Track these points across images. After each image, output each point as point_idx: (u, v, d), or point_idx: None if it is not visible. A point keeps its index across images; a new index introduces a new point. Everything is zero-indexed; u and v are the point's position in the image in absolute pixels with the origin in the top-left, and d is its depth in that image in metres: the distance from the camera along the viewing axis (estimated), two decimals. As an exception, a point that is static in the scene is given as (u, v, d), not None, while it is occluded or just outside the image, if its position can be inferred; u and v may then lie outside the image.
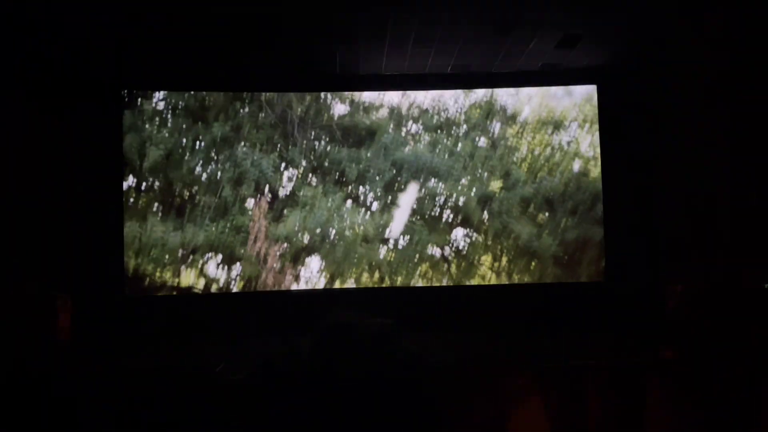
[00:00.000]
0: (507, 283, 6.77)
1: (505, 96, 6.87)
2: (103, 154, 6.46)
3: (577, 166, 6.79)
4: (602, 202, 6.77)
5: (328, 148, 6.75)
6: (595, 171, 6.76)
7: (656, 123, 6.49)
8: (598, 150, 6.76)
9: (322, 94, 6.81)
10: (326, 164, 6.75)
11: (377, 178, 6.75)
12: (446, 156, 6.79)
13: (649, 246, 6.40)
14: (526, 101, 6.85)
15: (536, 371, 3.70)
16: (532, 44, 6.01)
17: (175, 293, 6.56)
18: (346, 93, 6.81)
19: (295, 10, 5.19)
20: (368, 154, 6.76)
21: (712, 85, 5.42)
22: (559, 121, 6.81)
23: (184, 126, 6.63)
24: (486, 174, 6.79)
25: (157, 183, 6.59)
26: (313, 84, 6.79)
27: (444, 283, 6.77)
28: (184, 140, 6.62)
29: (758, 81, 4.76)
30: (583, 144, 6.78)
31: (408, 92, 6.83)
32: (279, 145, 6.71)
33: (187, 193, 6.61)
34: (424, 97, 6.85)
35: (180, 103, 6.66)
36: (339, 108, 6.81)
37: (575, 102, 6.84)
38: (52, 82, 6.03)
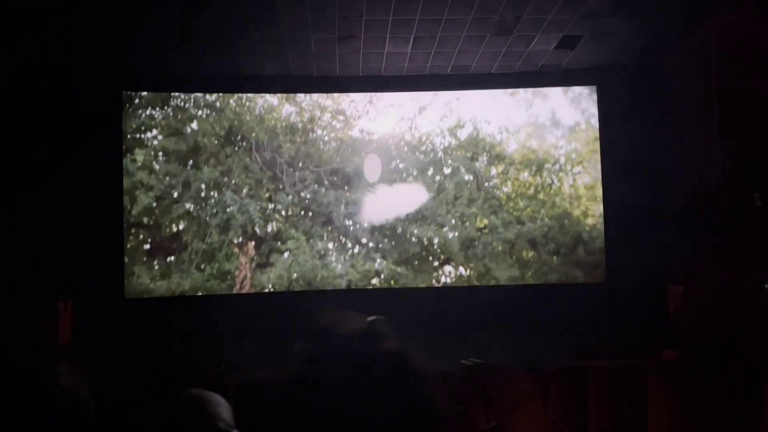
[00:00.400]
0: (507, 284, 6.76)
1: (494, 127, 6.82)
2: (104, 157, 6.45)
3: (560, 207, 6.76)
4: (602, 203, 6.76)
5: (316, 189, 6.71)
6: (578, 211, 6.75)
7: (656, 123, 6.48)
8: (581, 190, 6.75)
9: (311, 133, 6.73)
10: (313, 207, 6.69)
11: (364, 220, 6.71)
12: (431, 198, 6.77)
13: (650, 247, 6.40)
14: (514, 133, 6.80)
15: (538, 372, 3.70)
16: (532, 45, 6.01)
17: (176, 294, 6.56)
18: (337, 125, 6.76)
19: (295, 11, 5.19)
20: (355, 196, 6.72)
21: (711, 85, 5.42)
22: (543, 160, 6.78)
23: (174, 171, 6.57)
24: (469, 216, 6.77)
25: (145, 229, 6.52)
26: (314, 86, 6.78)
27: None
28: (174, 185, 6.56)
29: (757, 82, 4.76)
30: (566, 184, 6.76)
31: (396, 129, 6.78)
32: (267, 190, 6.66)
33: (175, 239, 6.54)
34: (411, 136, 6.81)
35: (171, 147, 6.59)
36: (328, 147, 6.74)
37: (563, 133, 6.80)
38: (51, 83, 6.03)
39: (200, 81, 6.67)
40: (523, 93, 6.85)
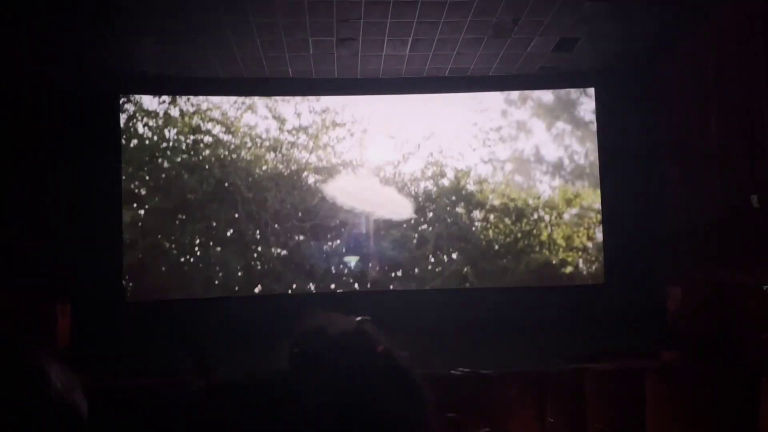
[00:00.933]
0: (505, 286, 6.75)
1: (478, 171, 6.84)
2: (102, 159, 6.47)
3: (537, 257, 6.79)
4: (601, 204, 6.77)
5: (299, 242, 6.70)
6: (556, 259, 6.79)
7: (654, 124, 6.49)
8: (560, 241, 6.76)
9: (295, 185, 6.73)
10: (296, 260, 6.69)
11: (347, 273, 6.73)
12: (413, 249, 6.76)
13: (649, 248, 6.40)
14: (497, 172, 6.83)
15: (534, 376, 3.69)
16: (530, 47, 6.02)
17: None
18: (322, 175, 6.77)
19: (293, 13, 5.20)
20: (338, 247, 6.73)
21: (708, 88, 5.43)
22: (523, 209, 6.80)
23: (160, 227, 6.58)
24: (449, 264, 6.79)
25: (131, 285, 6.53)
26: (313, 88, 6.79)
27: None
28: (160, 241, 6.57)
29: (754, 85, 4.77)
30: (545, 233, 6.79)
31: (381, 175, 6.80)
32: (250, 242, 6.66)
33: (159, 297, 6.54)
34: (395, 184, 6.80)
35: (158, 205, 6.60)
36: (312, 199, 6.73)
37: (547, 169, 6.83)
38: (47, 86, 6.04)
39: (199, 84, 6.68)
40: (507, 129, 6.89)
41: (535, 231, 6.78)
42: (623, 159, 6.72)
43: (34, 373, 1.05)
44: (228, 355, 4.88)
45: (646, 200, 6.54)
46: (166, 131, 6.68)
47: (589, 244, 6.75)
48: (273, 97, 6.79)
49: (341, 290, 6.69)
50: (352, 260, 6.70)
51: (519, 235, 6.78)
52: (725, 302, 5.09)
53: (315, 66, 6.36)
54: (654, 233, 6.41)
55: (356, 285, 6.70)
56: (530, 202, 6.79)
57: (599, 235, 6.75)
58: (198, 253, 6.61)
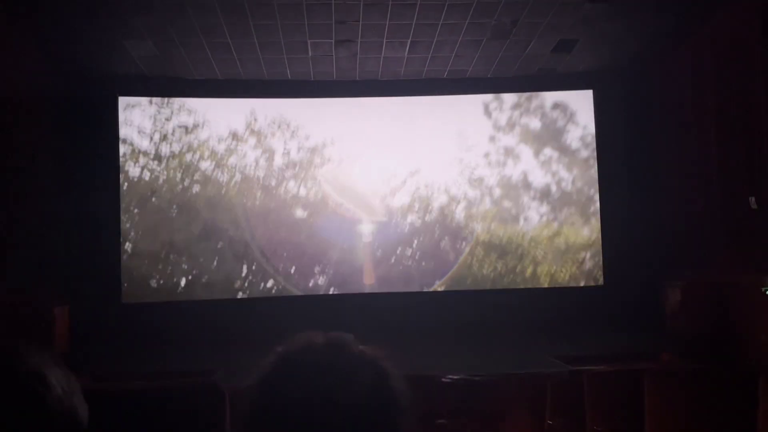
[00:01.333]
0: (504, 288, 6.75)
1: (470, 192, 6.87)
2: (100, 161, 6.47)
3: (524, 290, 6.80)
4: (599, 205, 6.77)
5: (288, 275, 6.69)
6: (539, 285, 6.79)
7: (652, 126, 6.50)
8: (543, 276, 6.78)
9: (284, 218, 6.73)
10: (285, 295, 6.67)
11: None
12: (402, 284, 6.75)
13: (648, 250, 6.40)
14: (488, 193, 6.85)
15: (534, 377, 3.69)
16: (529, 49, 6.03)
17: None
18: (309, 208, 6.78)
19: (292, 15, 5.20)
20: (327, 281, 6.74)
21: (706, 89, 5.44)
22: (507, 247, 6.82)
23: (147, 267, 6.57)
24: (436, 292, 6.80)
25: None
26: (312, 90, 6.79)
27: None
28: (148, 279, 6.56)
29: (752, 86, 4.78)
30: (528, 269, 6.81)
31: (370, 208, 6.81)
32: (235, 280, 6.65)
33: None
34: (384, 217, 6.81)
35: (145, 247, 6.58)
36: (300, 232, 6.73)
37: (534, 195, 6.85)
38: (45, 88, 6.04)
39: (197, 86, 6.68)
40: (495, 155, 6.92)
41: (518, 268, 6.80)
42: (621, 159, 6.73)
43: (33, 378, 1.05)
44: (227, 357, 4.88)
45: (644, 201, 6.55)
46: (157, 170, 6.68)
47: (572, 282, 6.78)
48: (263, 134, 6.79)
49: (333, 292, 6.70)
50: (365, 228, 6.70)
51: (503, 270, 6.80)
52: (724, 303, 5.10)
53: (314, 68, 6.37)
54: (653, 234, 6.41)
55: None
56: (515, 239, 6.82)
57: (586, 264, 6.76)
58: (183, 289, 6.59)
